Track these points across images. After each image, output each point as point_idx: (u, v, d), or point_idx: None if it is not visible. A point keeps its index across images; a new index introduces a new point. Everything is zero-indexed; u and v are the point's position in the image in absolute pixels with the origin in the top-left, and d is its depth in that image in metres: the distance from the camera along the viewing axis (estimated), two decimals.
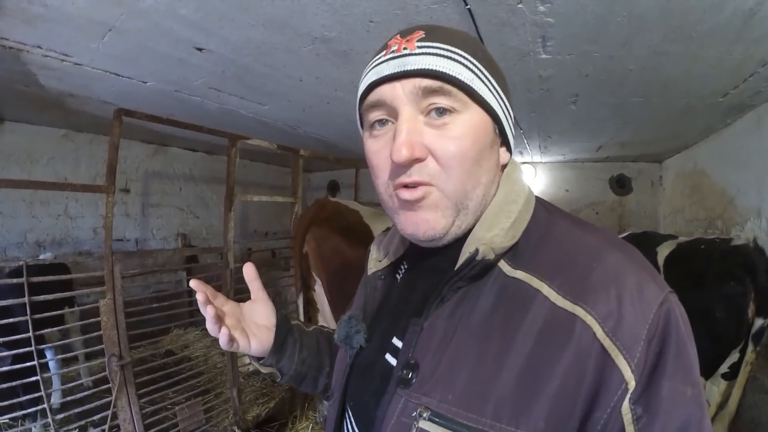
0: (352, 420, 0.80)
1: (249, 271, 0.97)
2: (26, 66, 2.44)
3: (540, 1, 1.73)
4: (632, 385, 0.54)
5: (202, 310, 0.85)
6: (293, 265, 3.20)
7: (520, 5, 1.76)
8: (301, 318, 3.05)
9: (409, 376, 0.66)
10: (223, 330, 0.85)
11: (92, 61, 2.40)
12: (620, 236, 3.55)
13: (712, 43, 2.02)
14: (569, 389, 0.56)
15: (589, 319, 0.56)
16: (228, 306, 0.93)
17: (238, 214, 6.04)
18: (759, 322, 2.32)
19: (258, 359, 0.97)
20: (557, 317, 0.59)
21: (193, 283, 0.89)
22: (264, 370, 0.99)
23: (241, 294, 3.19)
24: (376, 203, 4.41)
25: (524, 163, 5.72)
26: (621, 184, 5.51)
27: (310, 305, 3.02)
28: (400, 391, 0.66)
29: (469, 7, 1.77)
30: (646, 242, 3.21)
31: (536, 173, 5.77)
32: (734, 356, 2.39)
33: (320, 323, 3.01)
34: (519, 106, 3.15)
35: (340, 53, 2.26)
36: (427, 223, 0.69)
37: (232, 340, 0.87)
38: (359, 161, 5.05)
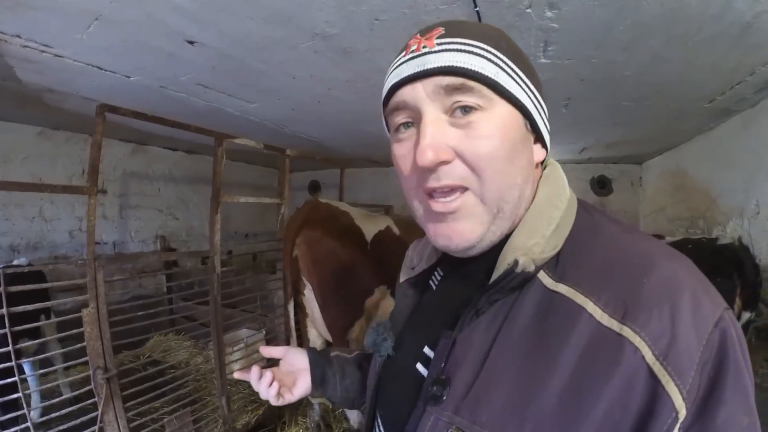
0: (382, 429, 0.78)
1: (266, 351, 1.08)
2: (3, 57, 2.32)
3: (548, 7, 1.74)
4: (683, 413, 0.49)
5: (256, 386, 0.99)
6: (280, 268, 3.12)
7: (528, 10, 1.77)
8: (291, 322, 3.00)
9: (440, 392, 0.63)
10: (270, 392, 0.97)
11: (75, 53, 2.30)
12: None
13: (709, 51, 2.08)
14: (615, 416, 0.51)
15: (638, 341, 0.52)
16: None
17: (220, 215, 5.92)
18: (746, 316, 2.41)
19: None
20: (603, 338, 0.54)
21: (238, 375, 1.02)
22: (315, 401, 1.12)
23: (225, 299, 3.09)
24: (360, 204, 4.37)
25: None
26: (602, 185, 5.65)
27: (300, 309, 2.96)
28: (430, 408, 0.63)
29: (477, 9, 1.76)
30: None
31: None
32: None
33: (309, 328, 2.94)
34: None
35: (339, 50, 2.21)
36: (461, 234, 0.65)
37: (279, 396, 0.98)
38: (345, 161, 4.99)
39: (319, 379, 1.02)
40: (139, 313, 2.67)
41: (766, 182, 2.85)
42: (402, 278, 0.90)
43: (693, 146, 4.03)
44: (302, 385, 1.01)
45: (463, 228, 0.65)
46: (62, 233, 4.34)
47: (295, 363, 1.04)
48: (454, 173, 0.63)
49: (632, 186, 5.56)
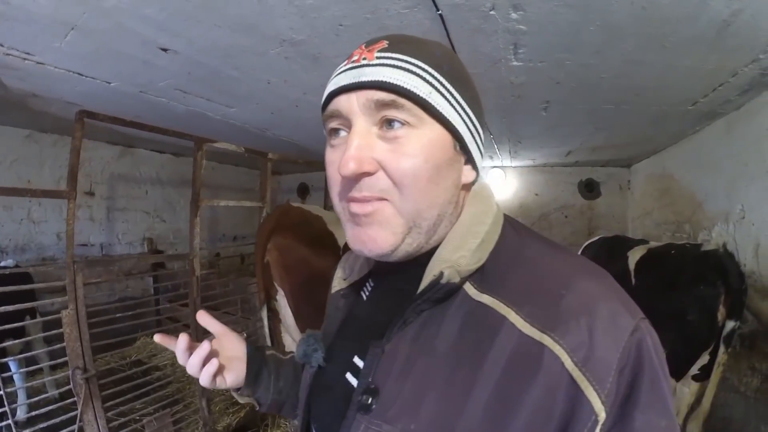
0: None
1: (203, 317, 0.95)
2: None
3: (513, 9, 1.72)
4: (602, 416, 0.52)
5: (183, 359, 0.87)
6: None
7: (492, 12, 1.75)
8: (266, 329, 2.99)
9: (369, 401, 0.64)
10: (208, 369, 0.85)
11: (55, 60, 2.33)
12: (593, 239, 3.62)
13: (686, 53, 2.04)
14: (538, 421, 0.54)
15: (558, 349, 0.54)
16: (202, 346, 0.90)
17: (207, 217, 5.94)
18: (730, 324, 2.36)
19: (236, 389, 0.96)
20: (525, 346, 0.56)
21: (159, 339, 0.89)
22: (242, 400, 0.98)
23: (207, 302, 3.11)
24: None
25: (494, 167, 5.78)
26: (590, 188, 5.62)
27: (273, 315, 2.93)
28: (360, 417, 0.64)
29: (440, 12, 1.75)
30: (617, 246, 3.25)
31: (506, 177, 5.83)
32: (704, 358, 2.43)
33: (282, 334, 2.90)
34: (490, 111, 3.16)
35: (309, 56, 2.23)
36: (374, 241, 0.67)
37: (214, 377, 0.88)
38: None
39: (253, 377, 0.95)
40: (118, 315, 2.70)
41: (751, 186, 2.82)
42: (333, 289, 0.92)
43: (679, 150, 4.01)
44: (235, 376, 0.93)
45: (376, 235, 0.66)
46: (50, 235, 4.37)
47: (230, 349, 0.94)
48: (375, 185, 0.65)
49: (621, 189, 5.53)
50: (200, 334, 2.91)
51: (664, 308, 2.46)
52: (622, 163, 5.35)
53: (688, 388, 2.53)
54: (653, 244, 3.14)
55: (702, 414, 2.48)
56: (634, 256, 3.02)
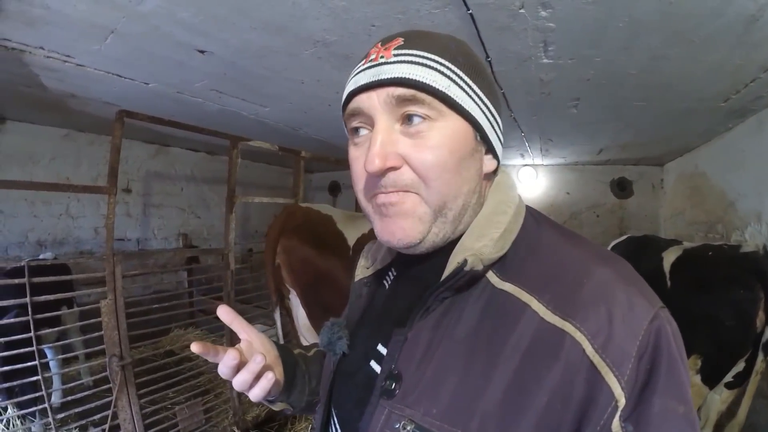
0: (338, 427, 0.79)
1: (225, 313, 0.80)
2: (28, 67, 2.45)
3: (542, 6, 1.73)
4: (622, 402, 0.53)
5: (228, 375, 0.74)
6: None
7: (521, 10, 1.76)
8: (279, 330, 3.03)
9: (393, 386, 0.65)
10: (262, 384, 0.75)
11: (94, 62, 2.42)
12: (620, 239, 3.53)
13: (712, 48, 2.01)
14: (557, 406, 0.55)
15: (579, 336, 0.55)
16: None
17: (239, 214, 6.00)
18: None
19: (269, 399, 0.87)
20: (546, 333, 0.57)
21: (196, 348, 0.72)
22: (276, 408, 0.92)
23: (240, 295, 3.18)
24: None
25: (525, 165, 5.70)
26: (622, 187, 5.48)
27: (288, 314, 2.97)
28: (383, 402, 0.65)
29: (470, 11, 1.77)
30: (649, 246, 3.12)
31: (537, 175, 5.75)
32: (740, 365, 2.33)
33: (299, 334, 2.89)
34: (520, 109, 3.15)
35: (341, 56, 2.27)
36: (403, 230, 0.68)
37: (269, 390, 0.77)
38: None
39: (290, 380, 0.88)
40: (153, 306, 2.78)
41: None
42: (356, 278, 0.93)
43: (711, 148, 3.92)
44: (276, 382, 0.80)
45: (405, 225, 0.68)
46: (87, 230, 4.54)
47: (263, 351, 0.81)
48: (400, 180, 0.66)
49: (653, 188, 5.38)
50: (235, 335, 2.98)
51: (701, 312, 2.35)
52: (655, 162, 5.21)
53: (719, 396, 2.45)
54: (687, 244, 2.97)
55: (737, 425, 2.38)
56: (669, 257, 2.84)
